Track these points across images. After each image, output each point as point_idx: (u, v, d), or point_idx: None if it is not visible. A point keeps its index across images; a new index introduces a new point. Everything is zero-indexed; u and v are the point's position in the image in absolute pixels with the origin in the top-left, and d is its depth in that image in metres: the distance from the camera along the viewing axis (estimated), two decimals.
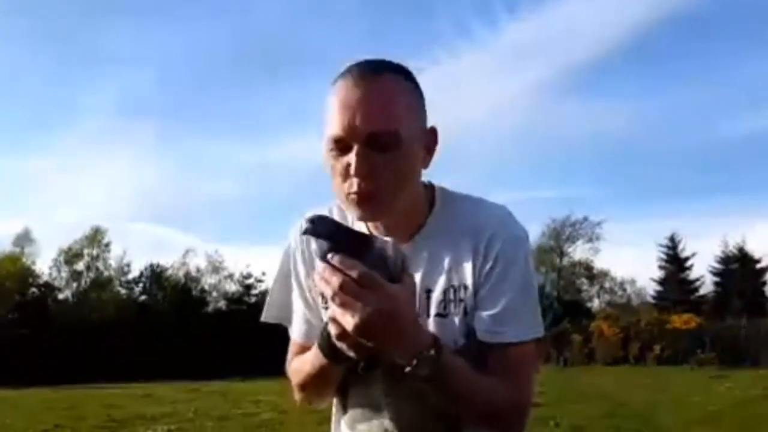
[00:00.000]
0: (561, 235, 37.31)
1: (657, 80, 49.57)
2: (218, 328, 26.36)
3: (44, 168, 44.05)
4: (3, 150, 45.33)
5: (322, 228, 0.86)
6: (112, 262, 30.23)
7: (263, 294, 30.18)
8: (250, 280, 32.41)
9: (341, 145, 0.94)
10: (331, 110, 0.94)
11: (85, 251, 29.73)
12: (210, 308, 31.71)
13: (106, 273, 29.97)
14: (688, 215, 51.33)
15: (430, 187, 1.07)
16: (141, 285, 31.12)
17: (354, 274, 0.82)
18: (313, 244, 0.97)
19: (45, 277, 29.16)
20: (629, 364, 23.16)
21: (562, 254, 37.46)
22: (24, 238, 28.78)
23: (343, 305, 0.83)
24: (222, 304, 32.21)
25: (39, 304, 27.37)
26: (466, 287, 1.00)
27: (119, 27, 44.96)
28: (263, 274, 31.67)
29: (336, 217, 1.05)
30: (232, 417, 8.72)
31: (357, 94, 0.93)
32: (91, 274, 29.57)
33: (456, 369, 0.93)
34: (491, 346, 0.99)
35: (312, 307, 1.09)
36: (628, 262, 59.91)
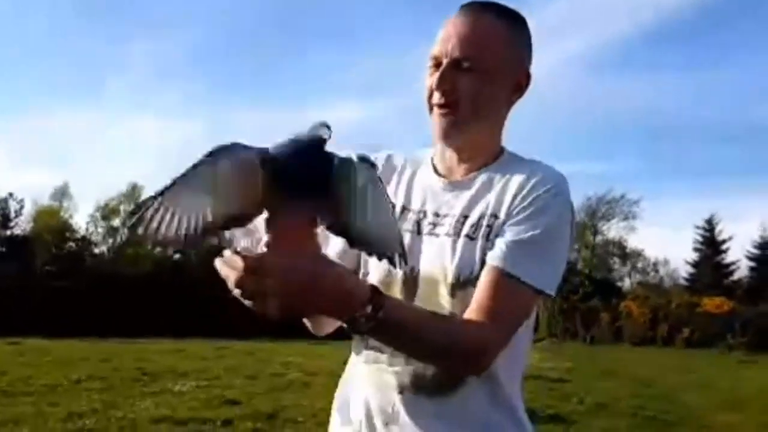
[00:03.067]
0: (596, 212, 36.75)
1: (699, 56, 47.91)
2: None
3: (81, 124, 44.95)
4: (41, 106, 46.30)
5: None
6: None
7: None
8: None
9: (436, 63, 1.07)
10: (437, 35, 1.08)
11: (122, 208, 30.35)
12: None
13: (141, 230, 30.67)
14: (728, 197, 49.82)
15: (502, 147, 1.15)
16: None
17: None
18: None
19: (82, 232, 29.96)
20: (657, 345, 22.93)
21: (596, 232, 36.94)
22: (62, 193, 29.53)
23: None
24: None
25: (76, 257, 28.16)
26: (497, 216, 1.03)
27: None
28: None
29: (407, 159, 1.17)
30: (260, 376, 8.89)
31: (457, 24, 1.06)
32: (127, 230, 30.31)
33: (403, 318, 0.90)
34: (490, 270, 0.98)
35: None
36: (663, 242, 58.78)
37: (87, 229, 30.13)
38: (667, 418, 6.54)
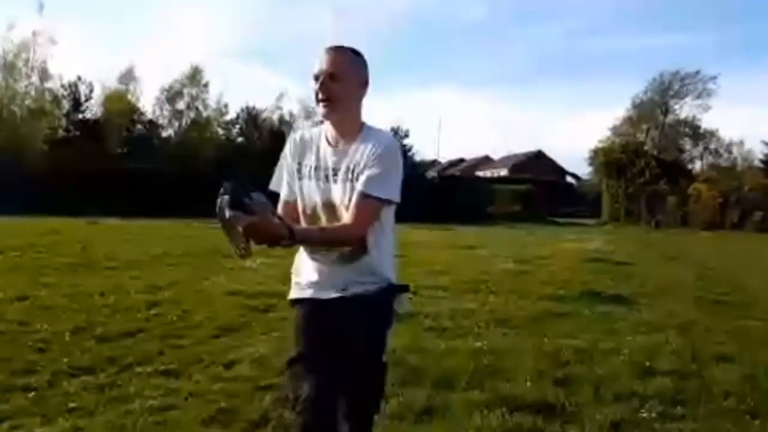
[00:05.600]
0: (668, 89, 34.52)
1: None
2: None
3: (140, 5, 44.74)
4: None
5: (230, 191, 1.71)
6: (211, 103, 31.18)
7: None
8: None
9: (316, 78, 1.96)
10: (315, 65, 1.97)
11: (185, 90, 30.67)
12: None
13: (205, 113, 31.06)
14: None
15: (365, 122, 2.03)
16: (238, 126, 32.20)
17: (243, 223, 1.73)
18: (288, 146, 2.10)
19: (149, 115, 30.65)
20: (726, 230, 22.27)
21: (666, 111, 34.93)
22: (128, 76, 29.90)
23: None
24: None
25: (145, 140, 29.06)
26: (359, 166, 1.93)
27: None
28: None
29: (312, 134, 2.08)
30: None
31: (326, 55, 1.96)
32: (192, 114, 30.75)
33: (310, 234, 1.96)
34: (356, 193, 1.91)
35: (294, 179, 2.05)
36: (739, 122, 55.44)
37: (154, 112, 30.81)
38: (732, 302, 6.43)
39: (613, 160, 31.30)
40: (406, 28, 61.07)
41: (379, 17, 55.35)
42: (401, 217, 2.17)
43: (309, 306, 2.03)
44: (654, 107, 35.03)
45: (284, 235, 1.78)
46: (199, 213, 19.84)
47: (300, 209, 2.03)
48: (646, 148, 33.42)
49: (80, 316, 4.83)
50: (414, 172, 30.99)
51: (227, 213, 1.68)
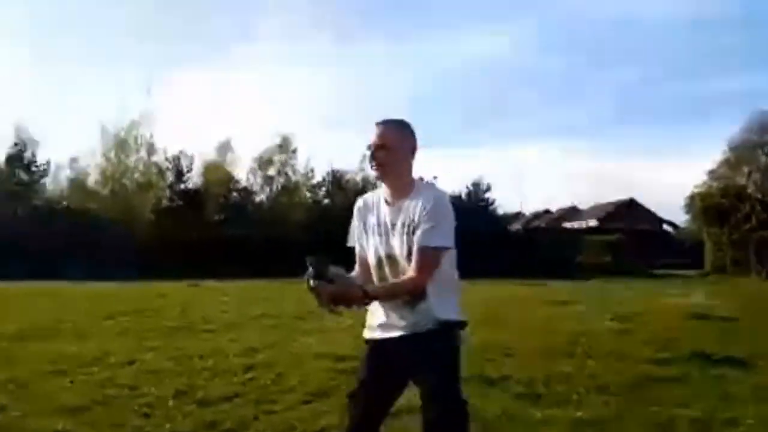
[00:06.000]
0: (767, 129, 32.46)
1: None
2: None
3: (234, 80, 47.90)
4: (201, 65, 49.80)
5: (313, 264, 2.14)
6: (299, 168, 32.45)
7: None
8: None
9: (369, 147, 2.35)
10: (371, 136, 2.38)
11: (275, 158, 32.14)
12: None
13: (294, 178, 32.31)
14: None
15: (416, 179, 2.41)
16: (324, 189, 33.18)
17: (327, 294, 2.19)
18: (355, 210, 2.50)
19: (243, 183, 32.25)
20: None
21: None
22: (225, 147, 31.83)
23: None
24: None
25: (240, 207, 30.50)
26: (414, 221, 2.26)
27: None
28: (434, 178, 32.05)
29: (371, 196, 2.48)
30: None
31: (377, 129, 2.36)
32: (281, 180, 32.08)
33: (381, 291, 2.29)
34: (416, 247, 2.23)
35: (362, 237, 2.43)
36: None
37: (247, 179, 32.35)
38: None
39: (713, 205, 29.54)
40: (484, 79, 61.48)
41: (454, 67, 56.35)
42: (485, 272, 2.44)
43: (375, 344, 2.38)
44: (754, 148, 33.01)
45: (359, 297, 2.16)
46: (288, 273, 20.49)
47: (369, 262, 2.38)
48: (749, 191, 31.38)
49: (182, 379, 5.02)
50: (496, 225, 30.52)
51: (312, 283, 2.11)
